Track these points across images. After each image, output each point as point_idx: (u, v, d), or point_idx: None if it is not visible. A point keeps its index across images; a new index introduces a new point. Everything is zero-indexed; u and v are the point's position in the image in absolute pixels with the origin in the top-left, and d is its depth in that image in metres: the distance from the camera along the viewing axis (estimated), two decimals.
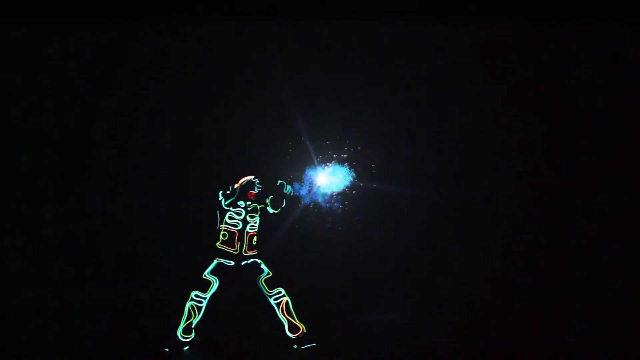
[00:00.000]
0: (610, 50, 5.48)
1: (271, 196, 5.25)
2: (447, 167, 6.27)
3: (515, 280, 5.74)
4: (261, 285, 5.09)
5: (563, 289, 5.54)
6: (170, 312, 5.26)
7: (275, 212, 5.28)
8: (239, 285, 5.28)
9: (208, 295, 4.96)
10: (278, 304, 5.04)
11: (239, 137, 6.50)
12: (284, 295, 5.07)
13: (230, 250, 5.09)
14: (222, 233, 5.14)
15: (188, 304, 4.92)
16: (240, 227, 5.12)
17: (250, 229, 5.16)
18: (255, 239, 5.19)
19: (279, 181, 5.29)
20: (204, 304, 4.95)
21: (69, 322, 5.56)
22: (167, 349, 4.85)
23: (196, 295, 4.94)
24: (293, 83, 6.29)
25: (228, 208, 5.11)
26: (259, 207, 5.23)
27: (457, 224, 6.21)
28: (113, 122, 6.28)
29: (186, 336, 4.90)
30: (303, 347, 4.91)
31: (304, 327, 5.01)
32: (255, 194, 5.19)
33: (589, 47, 5.55)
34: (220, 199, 5.13)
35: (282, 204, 5.26)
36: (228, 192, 5.14)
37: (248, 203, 5.17)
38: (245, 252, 5.11)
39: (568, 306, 5.40)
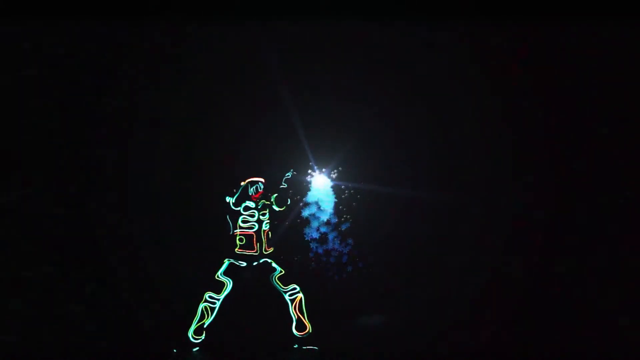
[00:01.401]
0: (611, 50, 5.60)
1: (275, 195, 5.26)
2: (447, 168, 6.30)
3: (516, 281, 5.75)
4: (275, 282, 5.12)
5: (563, 289, 5.56)
6: (177, 312, 5.28)
7: (281, 209, 5.29)
8: (249, 285, 5.27)
9: (222, 296, 4.97)
10: (292, 300, 5.08)
11: (238, 137, 6.47)
12: (299, 292, 5.11)
13: (251, 252, 5.10)
14: (238, 238, 5.13)
15: (201, 305, 4.92)
16: (256, 228, 5.14)
17: (266, 226, 5.19)
18: (270, 233, 5.23)
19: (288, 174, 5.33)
20: (217, 305, 4.95)
21: (73, 324, 5.50)
22: (175, 350, 4.85)
23: (210, 297, 4.94)
24: (292, 83, 6.27)
25: (238, 208, 5.11)
26: (267, 202, 5.25)
27: (457, 225, 6.19)
28: (112, 123, 6.21)
29: (197, 337, 4.90)
30: (304, 348, 4.94)
31: (310, 327, 5.05)
32: (260, 193, 5.22)
33: (588, 47, 5.66)
34: (228, 200, 5.14)
35: (287, 202, 5.27)
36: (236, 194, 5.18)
37: (259, 202, 5.20)
38: (265, 250, 5.14)
39: (568, 306, 5.43)
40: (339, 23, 6.07)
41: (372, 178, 6.37)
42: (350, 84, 6.34)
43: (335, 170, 6.48)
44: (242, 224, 5.14)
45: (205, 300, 4.93)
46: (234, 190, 5.27)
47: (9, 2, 5.21)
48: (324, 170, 6.42)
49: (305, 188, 6.41)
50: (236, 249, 5.12)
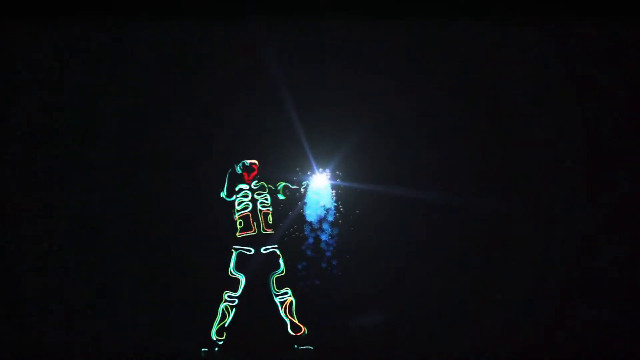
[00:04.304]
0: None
1: (282, 184, 5.29)
2: (448, 169, 6.34)
3: (517, 282, 5.88)
4: (271, 281, 5.13)
5: (566, 290, 5.71)
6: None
7: (284, 198, 5.29)
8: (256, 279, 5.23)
9: (239, 293, 4.99)
10: (282, 303, 5.12)
11: (237, 137, 6.43)
12: (290, 296, 5.14)
13: (250, 233, 5.08)
14: (237, 222, 5.13)
15: (222, 306, 4.93)
16: (250, 207, 5.13)
17: (262, 207, 5.16)
18: (270, 217, 5.18)
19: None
20: (237, 303, 4.98)
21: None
22: (204, 349, 4.88)
23: (229, 296, 4.96)
24: (291, 83, 6.26)
25: (232, 198, 5.11)
26: (266, 185, 5.26)
27: (457, 226, 6.25)
28: (108, 124, 6.11)
29: (220, 338, 4.92)
30: (300, 348, 5.01)
31: (305, 328, 5.10)
32: (255, 174, 5.19)
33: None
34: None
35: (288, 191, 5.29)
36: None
37: (255, 183, 5.20)
38: (264, 229, 5.11)
39: (569, 307, 5.57)
40: (339, 22, 6.11)
41: (372, 178, 6.33)
42: (350, 83, 6.34)
43: (335, 171, 6.44)
44: (238, 207, 5.15)
45: (225, 301, 4.94)
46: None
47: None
48: (323, 170, 6.38)
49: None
50: (237, 234, 5.12)
